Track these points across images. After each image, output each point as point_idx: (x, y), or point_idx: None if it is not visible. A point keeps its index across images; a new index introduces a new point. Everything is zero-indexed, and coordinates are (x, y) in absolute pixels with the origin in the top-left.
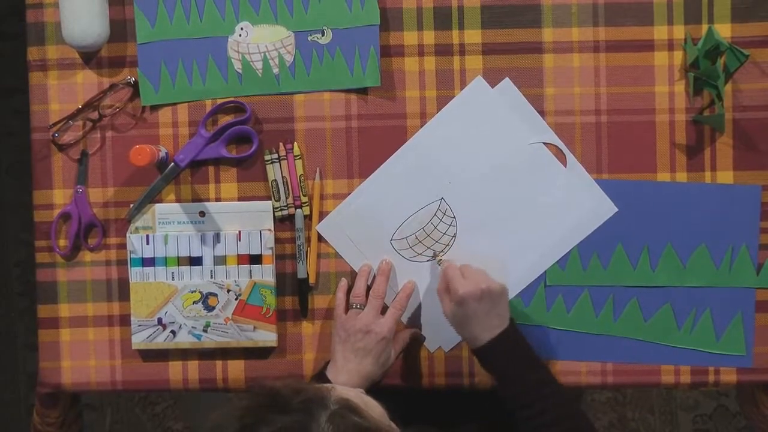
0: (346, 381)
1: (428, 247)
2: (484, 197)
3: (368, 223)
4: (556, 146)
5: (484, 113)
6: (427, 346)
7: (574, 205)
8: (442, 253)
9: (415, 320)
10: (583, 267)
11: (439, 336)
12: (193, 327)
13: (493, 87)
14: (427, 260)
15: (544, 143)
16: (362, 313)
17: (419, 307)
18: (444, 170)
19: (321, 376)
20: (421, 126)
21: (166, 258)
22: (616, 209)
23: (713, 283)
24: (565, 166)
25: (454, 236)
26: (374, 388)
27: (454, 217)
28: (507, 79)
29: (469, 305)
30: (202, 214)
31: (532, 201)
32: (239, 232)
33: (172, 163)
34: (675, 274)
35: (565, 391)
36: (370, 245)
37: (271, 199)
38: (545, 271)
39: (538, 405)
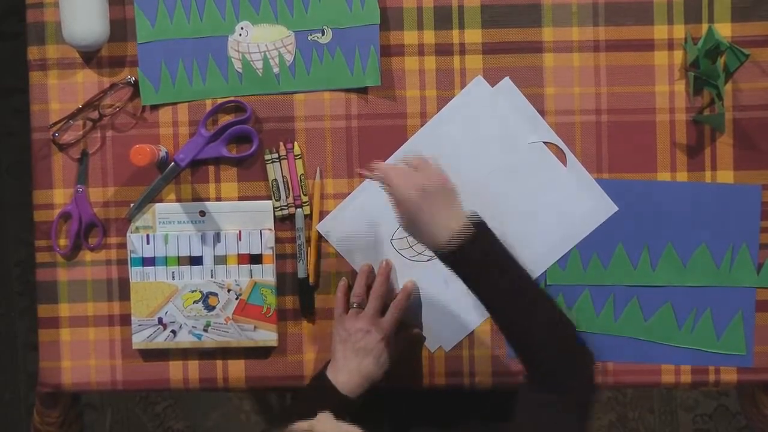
0: (347, 381)
1: None
2: (485, 197)
3: (368, 223)
4: (557, 146)
5: (484, 113)
6: (427, 346)
7: (575, 204)
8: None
9: (415, 320)
10: (584, 267)
11: (440, 336)
12: (193, 326)
13: (493, 86)
14: (428, 260)
15: (544, 142)
16: (362, 313)
17: (419, 306)
18: (444, 169)
19: (321, 376)
20: (422, 126)
21: (166, 257)
22: (617, 208)
23: (713, 283)
24: (566, 166)
25: None
26: (374, 389)
27: None
28: (507, 78)
29: (412, 204)
30: (203, 213)
31: (532, 200)
32: (239, 231)
33: (172, 163)
34: (675, 274)
35: (546, 295)
36: (370, 245)
37: (271, 199)
38: (545, 271)
39: (515, 314)
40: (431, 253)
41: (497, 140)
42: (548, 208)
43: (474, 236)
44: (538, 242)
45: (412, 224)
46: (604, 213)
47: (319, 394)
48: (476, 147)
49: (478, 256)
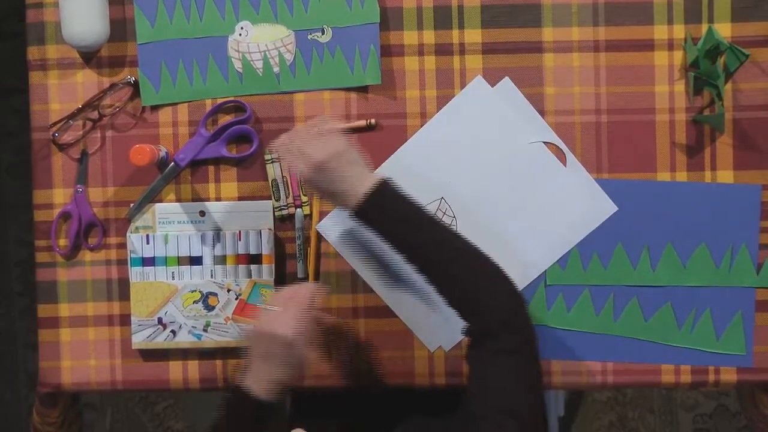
0: (258, 389)
1: None
2: (485, 197)
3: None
4: (556, 146)
5: (484, 112)
6: (427, 346)
7: (575, 204)
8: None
9: (416, 320)
10: (584, 266)
11: (440, 336)
12: (193, 326)
13: (493, 86)
14: None
15: (543, 142)
16: (268, 315)
17: (419, 307)
18: (444, 170)
19: (237, 385)
20: (422, 125)
21: (166, 257)
22: (617, 208)
23: (713, 283)
24: (565, 166)
25: None
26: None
27: (454, 217)
28: (507, 78)
29: (313, 178)
30: (202, 213)
31: (532, 200)
32: (239, 231)
33: (172, 163)
34: (675, 274)
35: (463, 239)
36: (369, 244)
37: (271, 199)
38: (545, 271)
39: (438, 262)
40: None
41: (497, 140)
42: (548, 208)
43: (381, 190)
44: (538, 242)
45: (322, 194)
46: (604, 213)
47: (237, 402)
48: (476, 147)
49: (389, 208)
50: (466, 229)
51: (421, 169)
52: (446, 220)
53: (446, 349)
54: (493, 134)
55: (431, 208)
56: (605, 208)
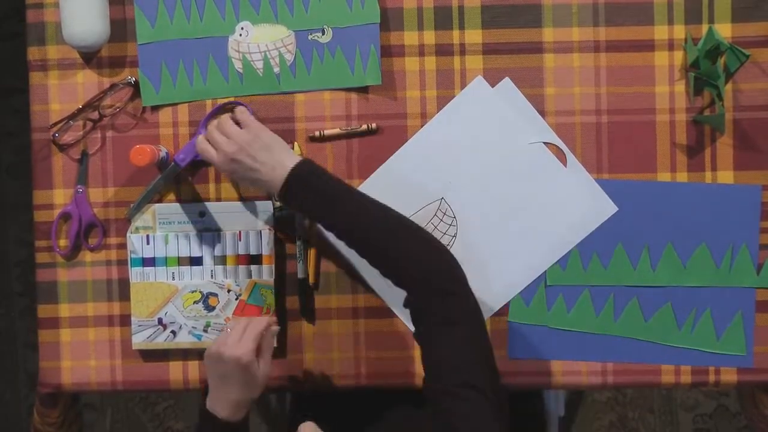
0: (221, 411)
1: None
2: (485, 197)
3: None
4: (557, 146)
5: (485, 113)
6: None
7: (575, 204)
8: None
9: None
10: (584, 267)
11: None
12: (193, 327)
13: (493, 87)
14: None
15: (544, 143)
16: (221, 337)
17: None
18: (444, 170)
19: (203, 410)
20: (422, 126)
21: (166, 258)
22: (617, 208)
23: (713, 283)
24: (566, 166)
25: (455, 236)
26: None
27: (455, 217)
28: (507, 78)
29: (229, 167)
30: (203, 214)
31: (532, 200)
32: (239, 232)
33: (173, 163)
34: (675, 274)
35: (387, 208)
36: None
37: (271, 199)
38: (545, 271)
39: (366, 235)
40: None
41: (497, 141)
42: (548, 208)
43: (297, 173)
44: (538, 242)
45: (245, 181)
46: (604, 213)
47: (207, 427)
48: (476, 147)
49: (307, 188)
50: (467, 229)
51: (421, 170)
52: (446, 220)
53: None
54: (494, 135)
55: (431, 208)
56: (605, 208)
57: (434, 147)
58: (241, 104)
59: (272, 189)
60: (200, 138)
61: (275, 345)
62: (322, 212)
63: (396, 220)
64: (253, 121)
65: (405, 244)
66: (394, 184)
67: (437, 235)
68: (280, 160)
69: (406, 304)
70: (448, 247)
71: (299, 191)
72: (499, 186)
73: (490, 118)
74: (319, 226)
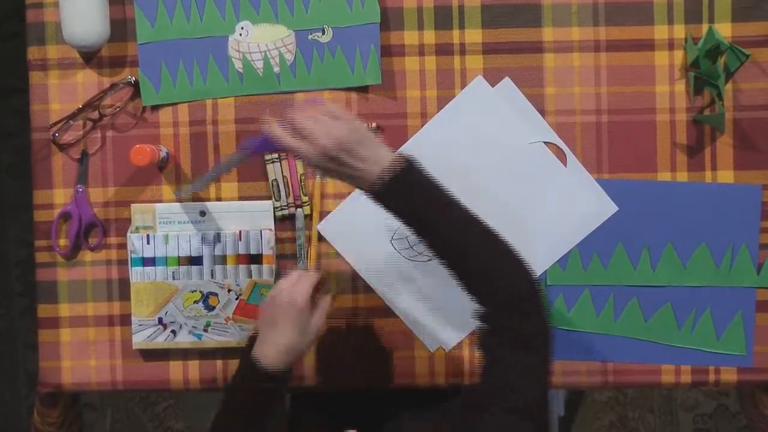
0: (266, 357)
1: None
2: (485, 197)
3: (369, 223)
4: (557, 146)
5: (485, 113)
6: (427, 346)
7: (575, 204)
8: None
9: (415, 320)
10: (584, 267)
11: (440, 335)
12: (193, 326)
13: (493, 87)
14: (428, 260)
15: (544, 143)
16: (279, 286)
17: (419, 307)
18: (444, 170)
19: (247, 355)
20: (422, 125)
21: (166, 258)
22: (617, 208)
23: (713, 283)
24: (566, 166)
25: None
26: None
27: None
28: (507, 78)
29: (325, 161)
30: (203, 213)
31: (532, 200)
32: (239, 231)
33: (239, 152)
34: (675, 274)
35: (487, 225)
36: (370, 245)
37: (271, 199)
38: (546, 271)
39: (459, 245)
40: (431, 253)
41: (498, 141)
42: (549, 208)
43: (404, 168)
44: (538, 242)
45: (333, 177)
46: (604, 213)
47: (244, 373)
48: (476, 147)
49: (409, 188)
50: None
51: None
52: None
53: (446, 349)
54: (494, 135)
55: None
56: (606, 208)
57: (434, 147)
58: (321, 99)
59: (363, 184)
60: (280, 130)
61: (330, 305)
62: (421, 214)
63: (493, 234)
64: (346, 112)
65: (498, 261)
66: None
67: None
68: (378, 154)
69: (478, 317)
70: None
71: (400, 189)
72: (499, 186)
73: (490, 118)
74: (404, 222)
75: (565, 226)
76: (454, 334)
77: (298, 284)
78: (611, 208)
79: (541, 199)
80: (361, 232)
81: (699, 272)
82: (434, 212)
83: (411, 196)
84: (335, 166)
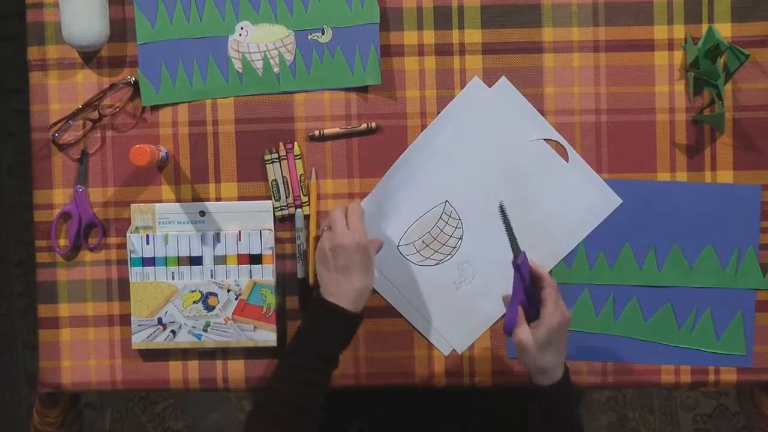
0: (346, 303)
1: (436, 251)
2: (489, 197)
3: (374, 231)
4: (557, 142)
5: (483, 113)
6: (441, 350)
7: (579, 199)
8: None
9: (425, 324)
10: (590, 266)
11: (453, 338)
12: (193, 327)
13: (491, 87)
14: (436, 264)
15: (544, 140)
16: (331, 232)
17: (430, 311)
18: (447, 172)
19: (322, 302)
20: (422, 125)
21: (166, 258)
22: (621, 201)
23: (719, 284)
24: (567, 161)
25: (461, 238)
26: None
27: (460, 219)
28: (503, 77)
29: (556, 333)
30: (202, 213)
31: (536, 197)
32: (239, 231)
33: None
34: (681, 275)
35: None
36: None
37: (271, 199)
38: (551, 270)
39: None
40: (439, 258)
41: (497, 140)
42: (553, 204)
43: (567, 375)
44: (545, 239)
45: (548, 347)
46: (608, 207)
47: (330, 318)
48: (477, 147)
49: (568, 393)
50: (473, 230)
51: (424, 174)
52: (452, 222)
53: (459, 352)
54: (493, 134)
55: (436, 211)
56: (610, 201)
57: (435, 150)
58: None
59: (550, 380)
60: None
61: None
62: (567, 413)
63: None
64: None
65: None
66: (397, 191)
67: (443, 238)
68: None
69: (535, 410)
70: (456, 250)
71: (564, 390)
72: (502, 185)
73: (488, 118)
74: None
75: (571, 221)
76: (466, 336)
77: (352, 223)
78: (615, 201)
79: (544, 196)
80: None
81: (705, 273)
82: (571, 415)
83: (566, 400)
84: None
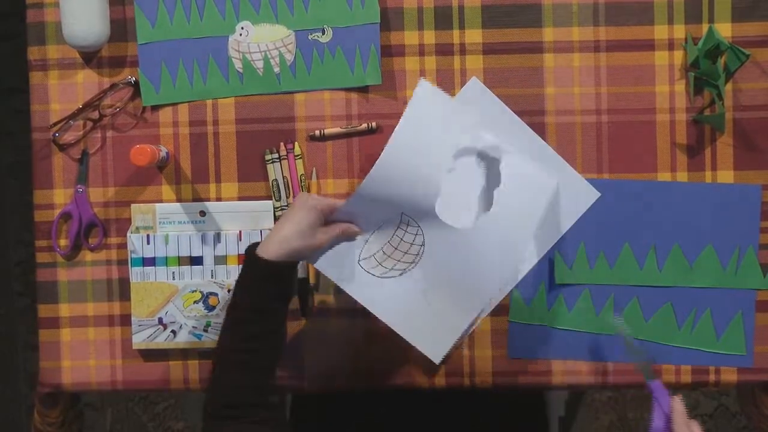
0: (266, 249)
1: (398, 261)
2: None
3: (337, 251)
4: (555, 145)
5: (445, 119)
6: (432, 358)
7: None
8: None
9: (415, 333)
10: (590, 266)
11: (427, 347)
12: (193, 327)
13: (491, 87)
14: (399, 274)
15: (527, 136)
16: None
17: (401, 323)
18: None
19: (249, 253)
20: None
21: (166, 258)
22: (599, 194)
23: (719, 284)
24: (538, 160)
25: (423, 245)
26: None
27: (419, 226)
28: (474, 78)
29: None
30: (203, 213)
31: (510, 197)
32: (240, 231)
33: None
34: (681, 275)
35: None
36: (342, 271)
37: (271, 199)
38: (554, 270)
39: None
40: (403, 267)
41: (458, 145)
42: (525, 204)
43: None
44: (522, 239)
45: None
46: (587, 200)
47: (246, 264)
48: (441, 153)
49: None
50: (434, 236)
51: (378, 183)
52: (411, 230)
53: (437, 361)
54: (454, 139)
55: (393, 220)
56: (588, 195)
57: (401, 161)
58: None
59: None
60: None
61: (344, 232)
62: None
63: None
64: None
65: None
66: (357, 205)
67: (405, 246)
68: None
69: None
70: (419, 257)
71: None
72: (474, 190)
73: (439, 122)
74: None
75: (548, 218)
76: (441, 342)
77: (319, 196)
78: (593, 194)
79: (515, 196)
80: (334, 253)
81: (705, 273)
82: None
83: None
84: None
